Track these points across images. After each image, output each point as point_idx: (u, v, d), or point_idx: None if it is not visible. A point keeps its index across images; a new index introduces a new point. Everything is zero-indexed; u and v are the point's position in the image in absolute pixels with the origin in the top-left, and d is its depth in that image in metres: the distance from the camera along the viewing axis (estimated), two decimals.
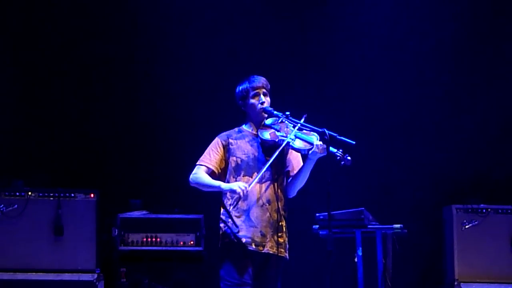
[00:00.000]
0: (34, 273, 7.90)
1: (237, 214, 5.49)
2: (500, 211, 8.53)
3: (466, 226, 8.47)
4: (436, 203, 8.81)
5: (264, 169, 5.43)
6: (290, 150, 5.61)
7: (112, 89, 8.80)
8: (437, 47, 9.07)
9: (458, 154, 9.04)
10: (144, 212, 8.34)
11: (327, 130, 5.37)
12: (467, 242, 8.44)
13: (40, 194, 8.07)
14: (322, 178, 5.32)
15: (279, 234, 5.52)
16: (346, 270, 7.46)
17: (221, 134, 5.68)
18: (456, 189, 8.88)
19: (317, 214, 7.38)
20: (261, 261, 5.49)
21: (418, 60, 9.06)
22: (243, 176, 5.51)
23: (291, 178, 5.62)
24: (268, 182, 5.52)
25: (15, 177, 8.21)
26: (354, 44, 9.00)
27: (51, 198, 8.06)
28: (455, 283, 8.37)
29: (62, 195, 8.07)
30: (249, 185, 5.38)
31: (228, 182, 5.53)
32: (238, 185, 5.39)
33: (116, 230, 8.16)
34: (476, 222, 8.48)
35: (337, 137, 5.38)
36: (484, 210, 8.51)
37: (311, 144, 5.43)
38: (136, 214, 8.31)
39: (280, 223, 5.53)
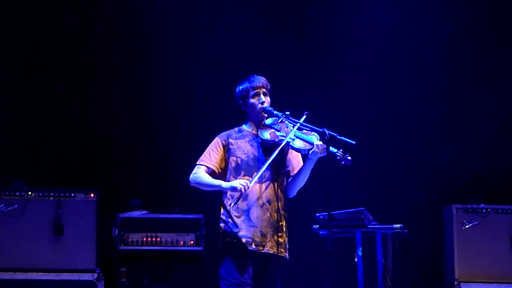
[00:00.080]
0: (34, 273, 7.91)
1: (237, 214, 5.49)
2: (500, 211, 8.54)
3: (466, 226, 8.47)
4: (436, 203, 8.81)
5: (264, 168, 5.43)
6: (290, 150, 5.60)
7: (112, 89, 8.79)
8: (437, 47, 9.07)
9: (458, 154, 9.04)
10: (144, 212, 8.34)
11: (327, 130, 5.37)
12: (467, 242, 8.44)
13: (40, 194, 8.07)
14: (322, 178, 5.32)
15: (279, 234, 5.52)
16: (346, 270, 7.47)
17: (221, 134, 5.68)
18: (456, 189, 8.88)
19: (317, 214, 7.38)
20: (261, 261, 5.49)
21: (418, 60, 9.06)
22: (243, 176, 5.51)
23: (291, 178, 5.62)
24: (268, 182, 5.52)
25: (15, 177, 8.21)
26: (354, 44, 8.99)
27: (51, 198, 8.06)
28: (455, 283, 8.37)
29: (62, 195, 8.07)
30: (250, 183, 5.38)
31: (228, 182, 5.53)
32: (239, 182, 5.39)
33: (116, 230, 8.16)
34: (476, 222, 8.48)
35: (337, 137, 5.37)
36: (484, 210, 8.51)
37: (311, 144, 5.43)
38: (136, 214, 8.31)
39: (280, 223, 5.53)
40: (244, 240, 5.44)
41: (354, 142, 5.37)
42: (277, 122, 5.57)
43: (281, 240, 5.53)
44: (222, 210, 5.56)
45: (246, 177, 5.50)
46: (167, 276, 8.17)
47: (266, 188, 5.51)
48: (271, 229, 5.49)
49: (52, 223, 8.00)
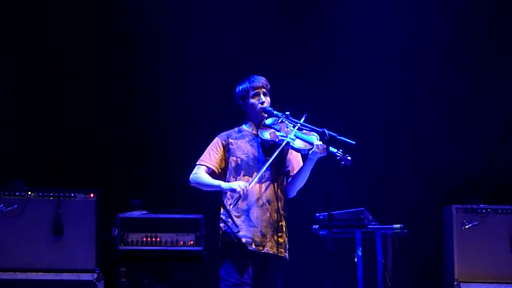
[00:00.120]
0: (33, 273, 7.90)
1: (237, 214, 5.49)
2: (499, 211, 8.53)
3: (466, 226, 8.47)
4: (436, 203, 8.81)
5: (264, 168, 5.44)
6: (290, 150, 5.61)
7: (112, 89, 8.79)
8: (437, 47, 9.06)
9: (458, 154, 9.04)
10: (144, 212, 8.34)
11: (327, 130, 5.37)
12: (467, 242, 8.44)
13: (40, 194, 8.07)
14: (322, 178, 5.32)
15: (279, 234, 5.52)
16: (346, 270, 7.47)
17: (221, 134, 5.68)
18: (456, 189, 8.88)
19: (317, 214, 7.38)
20: (261, 261, 5.49)
21: (418, 60, 9.06)
22: (243, 176, 5.51)
23: (291, 178, 5.62)
24: (268, 182, 5.52)
25: (15, 177, 8.21)
26: (355, 44, 9.00)
27: (51, 198, 8.06)
28: (455, 283, 8.36)
29: (62, 195, 8.07)
30: (249, 184, 5.39)
31: (228, 182, 5.53)
32: (238, 184, 5.39)
33: (116, 230, 8.16)
34: (476, 222, 8.48)
35: (337, 137, 5.38)
36: (484, 210, 8.51)
37: (311, 144, 5.43)
38: (136, 214, 8.31)
39: (280, 223, 5.53)
40: (244, 240, 5.45)
41: (354, 142, 5.37)
42: (277, 122, 5.58)
43: (281, 240, 5.53)
44: (222, 210, 5.56)
45: (246, 177, 5.50)
46: (167, 276, 8.17)
47: (266, 188, 5.51)
48: (271, 229, 5.49)
49: (52, 223, 7.99)
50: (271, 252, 5.49)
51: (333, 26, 9.00)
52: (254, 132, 5.63)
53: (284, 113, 5.56)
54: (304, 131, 5.52)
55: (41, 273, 7.91)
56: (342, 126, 5.77)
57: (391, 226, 7.41)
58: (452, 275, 8.41)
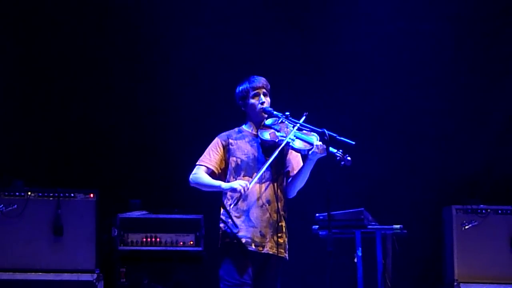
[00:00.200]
0: (33, 273, 7.90)
1: (237, 214, 5.49)
2: (499, 211, 8.53)
3: (466, 227, 8.47)
4: (435, 204, 8.81)
5: (264, 169, 5.43)
6: (290, 150, 5.60)
7: (112, 89, 8.79)
8: (437, 47, 9.06)
9: (457, 154, 9.04)
10: (144, 212, 8.34)
11: (327, 130, 5.37)
12: (467, 242, 8.44)
13: (40, 194, 8.06)
14: (322, 179, 5.32)
15: (279, 235, 5.52)
16: (346, 271, 7.46)
17: (221, 134, 5.68)
18: (455, 189, 8.88)
19: (317, 215, 7.38)
20: (261, 261, 5.49)
21: (418, 60, 9.06)
22: (243, 176, 5.51)
23: (291, 178, 5.62)
24: (268, 182, 5.52)
25: (15, 177, 8.21)
26: (355, 44, 8.99)
27: (51, 198, 8.06)
28: (455, 283, 8.37)
29: (61, 195, 8.07)
30: (249, 185, 5.38)
31: (228, 182, 5.53)
32: (238, 183, 5.39)
33: (116, 230, 8.16)
34: (475, 223, 8.48)
35: (337, 137, 5.38)
36: (483, 211, 8.51)
37: (311, 144, 5.43)
38: (135, 214, 8.31)
39: (280, 224, 5.53)
40: (243, 240, 5.45)
41: (353, 143, 5.37)
42: (277, 123, 5.57)
43: (280, 240, 5.53)
44: (221, 210, 5.56)
45: (246, 177, 5.50)
46: (167, 277, 8.17)
47: (266, 188, 5.51)
48: (271, 229, 5.49)
49: (52, 223, 7.99)
50: (271, 252, 5.49)
51: (333, 26, 9.00)
52: (254, 132, 5.63)
53: (284, 114, 5.56)
54: (304, 131, 5.52)
55: (41, 273, 7.91)
56: (342, 126, 5.77)
57: (391, 227, 7.41)
58: (452, 276, 8.42)
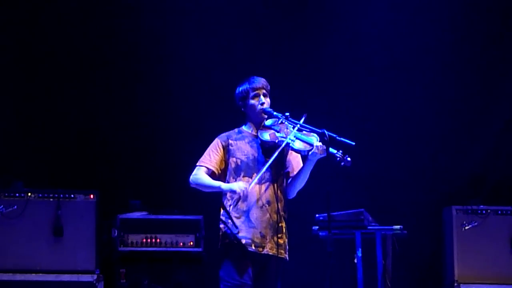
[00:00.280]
0: (33, 274, 7.90)
1: (237, 215, 5.49)
2: (499, 212, 8.53)
3: (466, 227, 8.46)
4: (436, 204, 8.81)
5: (264, 169, 5.43)
6: (290, 151, 5.60)
7: (112, 89, 8.79)
8: (436, 47, 9.06)
9: (457, 155, 9.04)
10: (144, 213, 8.34)
11: (326, 131, 5.37)
12: (467, 243, 8.43)
13: (40, 195, 8.07)
14: (322, 179, 5.32)
15: (279, 235, 5.52)
16: (346, 271, 7.47)
17: (221, 135, 5.68)
18: (456, 190, 8.88)
19: (316, 215, 7.38)
20: (261, 262, 5.49)
21: (418, 61, 9.05)
22: (243, 177, 5.51)
23: (291, 179, 5.62)
24: (268, 183, 5.52)
25: (15, 178, 8.21)
26: (354, 44, 8.99)
27: (51, 199, 8.06)
28: (455, 284, 8.36)
29: (61, 196, 8.07)
30: (249, 185, 5.38)
31: (228, 183, 5.53)
32: (238, 185, 5.39)
33: (116, 231, 8.16)
34: (475, 223, 8.47)
35: (337, 138, 5.38)
36: (483, 211, 8.50)
37: (311, 145, 5.43)
38: (135, 215, 8.31)
39: (280, 224, 5.53)
40: (243, 241, 5.44)
41: (353, 143, 5.37)
42: (277, 123, 5.57)
43: (280, 241, 5.52)
44: (221, 211, 5.56)
45: (246, 178, 5.50)
46: (167, 277, 8.17)
47: (266, 189, 5.50)
48: (271, 230, 5.49)
49: (52, 224, 7.99)
50: (271, 253, 5.48)
51: (333, 27, 9.00)
52: (254, 133, 5.63)
53: (284, 114, 5.56)
54: (304, 132, 5.52)
55: (41, 274, 7.91)
56: (342, 127, 5.77)
57: (391, 227, 7.42)
58: (452, 276, 8.41)
